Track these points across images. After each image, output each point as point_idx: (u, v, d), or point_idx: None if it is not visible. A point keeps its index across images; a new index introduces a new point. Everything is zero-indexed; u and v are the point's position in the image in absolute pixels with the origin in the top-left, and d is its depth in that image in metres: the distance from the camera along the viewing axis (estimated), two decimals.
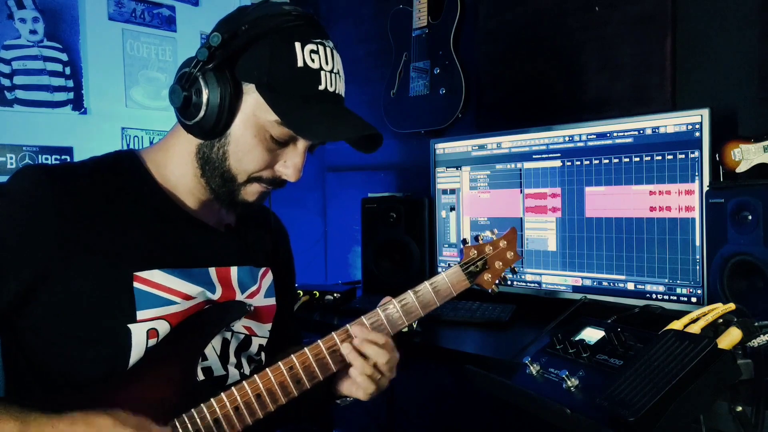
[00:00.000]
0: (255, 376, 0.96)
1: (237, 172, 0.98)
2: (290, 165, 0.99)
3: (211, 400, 0.93)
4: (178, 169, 1.02)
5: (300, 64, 0.93)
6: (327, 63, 0.96)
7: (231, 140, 0.96)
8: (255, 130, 0.96)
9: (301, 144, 0.99)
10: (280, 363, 0.97)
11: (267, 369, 0.97)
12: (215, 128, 0.94)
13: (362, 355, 0.99)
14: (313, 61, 0.94)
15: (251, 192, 1.01)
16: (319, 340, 1.00)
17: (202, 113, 0.93)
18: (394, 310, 1.03)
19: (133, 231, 0.96)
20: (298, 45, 0.93)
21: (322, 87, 0.95)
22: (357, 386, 1.02)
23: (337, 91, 0.98)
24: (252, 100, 0.94)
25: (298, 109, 0.93)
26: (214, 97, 0.92)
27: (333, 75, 0.97)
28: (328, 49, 0.96)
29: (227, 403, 0.93)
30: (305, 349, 0.99)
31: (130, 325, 0.93)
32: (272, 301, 1.15)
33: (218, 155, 0.97)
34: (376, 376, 1.00)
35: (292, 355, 0.98)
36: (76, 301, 0.91)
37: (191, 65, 0.94)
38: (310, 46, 0.94)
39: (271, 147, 0.97)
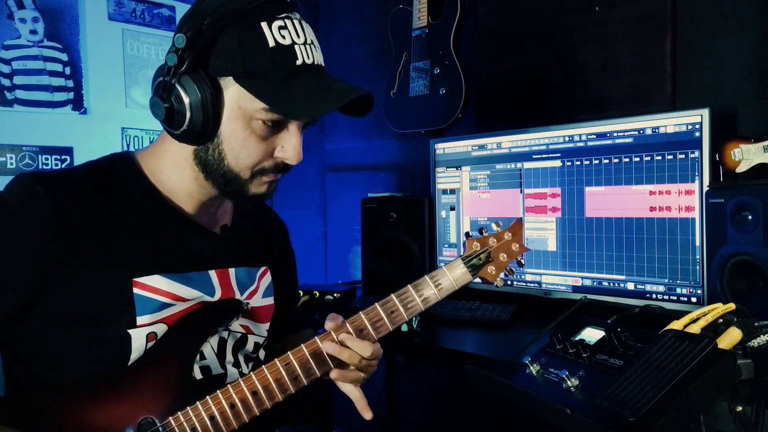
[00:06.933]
0: (251, 373, 0.96)
1: (238, 170, 0.96)
2: (288, 148, 0.97)
3: (207, 397, 0.93)
4: (174, 175, 1.00)
5: (271, 44, 0.89)
6: (298, 36, 0.92)
7: (223, 139, 0.94)
8: (244, 122, 0.93)
9: (293, 124, 0.96)
10: (276, 359, 0.97)
11: (263, 366, 0.96)
12: (204, 132, 0.92)
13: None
14: (283, 37, 0.90)
15: (259, 184, 0.99)
16: (316, 336, 1.00)
17: (187, 120, 0.90)
18: (393, 305, 1.01)
19: (131, 237, 0.96)
20: (264, 25, 0.89)
21: (299, 61, 0.92)
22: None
23: (315, 62, 0.94)
24: (233, 93, 0.92)
25: (281, 91, 0.90)
26: (195, 101, 0.89)
27: (307, 47, 0.93)
28: (295, 21, 0.93)
29: (222, 400, 0.93)
30: (302, 345, 0.99)
31: (130, 330, 0.93)
32: (270, 300, 1.15)
33: (215, 157, 0.95)
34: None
35: (288, 352, 0.98)
36: (76, 308, 0.91)
37: (164, 73, 0.91)
38: (277, 23, 0.90)
39: (264, 135, 0.94)
